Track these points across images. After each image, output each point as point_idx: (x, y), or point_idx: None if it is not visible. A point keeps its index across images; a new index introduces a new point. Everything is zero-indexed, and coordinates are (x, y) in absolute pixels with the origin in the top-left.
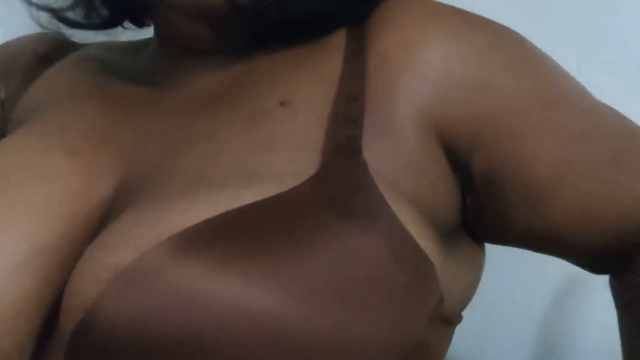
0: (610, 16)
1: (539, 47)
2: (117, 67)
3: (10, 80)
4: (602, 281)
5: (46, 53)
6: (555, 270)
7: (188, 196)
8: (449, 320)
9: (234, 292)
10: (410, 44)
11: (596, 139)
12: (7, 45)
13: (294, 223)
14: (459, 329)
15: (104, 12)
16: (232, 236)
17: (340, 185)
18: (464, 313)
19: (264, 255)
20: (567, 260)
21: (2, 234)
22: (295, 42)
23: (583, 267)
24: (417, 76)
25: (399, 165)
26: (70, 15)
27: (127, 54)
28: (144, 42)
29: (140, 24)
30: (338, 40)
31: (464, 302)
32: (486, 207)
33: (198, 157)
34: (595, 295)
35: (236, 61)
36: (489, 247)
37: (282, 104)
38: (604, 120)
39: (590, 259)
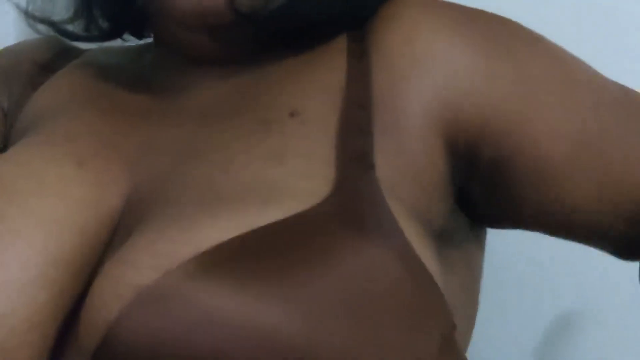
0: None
1: None
2: (120, 73)
3: (13, 89)
4: (596, 318)
5: (47, 61)
6: (549, 306)
7: (205, 213)
8: (459, 353)
9: (255, 312)
10: (413, 40)
11: (606, 110)
12: (7, 51)
13: (314, 243)
14: None
15: (104, 25)
16: (252, 256)
17: (356, 203)
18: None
19: (285, 276)
20: (592, 246)
21: (16, 245)
22: (297, 48)
23: (611, 252)
24: (423, 72)
25: (404, 173)
26: (70, 27)
27: (129, 59)
28: (145, 47)
29: (140, 35)
30: (339, 43)
31: (469, 326)
32: (497, 192)
33: (209, 169)
34: (589, 333)
35: (240, 70)
36: (484, 283)
37: (292, 114)
38: (610, 90)
39: (614, 239)
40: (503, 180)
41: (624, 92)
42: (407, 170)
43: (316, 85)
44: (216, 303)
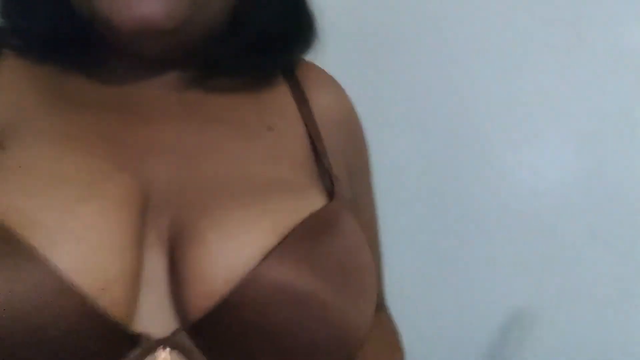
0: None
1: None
2: (73, 74)
3: None
4: (547, 317)
5: None
6: (501, 302)
7: (262, 203)
8: None
9: (313, 285)
10: (339, 106)
11: (375, 232)
12: None
13: (338, 227)
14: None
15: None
16: (308, 240)
17: (346, 200)
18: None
19: (328, 254)
20: None
21: (104, 218)
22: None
23: None
24: (339, 130)
25: (344, 185)
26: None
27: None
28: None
29: (82, 50)
30: (282, 85)
31: None
32: None
33: (223, 166)
34: (541, 331)
35: (199, 79)
36: (441, 280)
37: (269, 129)
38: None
39: None
40: None
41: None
42: (345, 184)
43: (276, 110)
44: (295, 282)
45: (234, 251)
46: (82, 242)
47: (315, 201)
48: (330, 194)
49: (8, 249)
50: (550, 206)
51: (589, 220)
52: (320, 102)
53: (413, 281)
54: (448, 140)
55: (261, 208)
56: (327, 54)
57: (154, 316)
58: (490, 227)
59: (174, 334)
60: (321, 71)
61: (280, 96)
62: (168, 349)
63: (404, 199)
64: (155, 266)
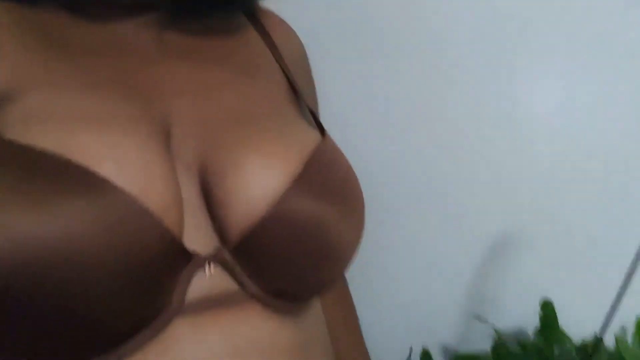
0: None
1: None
2: (58, 20)
3: None
4: (527, 243)
5: None
6: (484, 233)
7: (283, 136)
8: None
9: (325, 209)
10: (296, 47)
11: None
12: None
13: (336, 159)
14: (399, 285)
15: None
16: (319, 169)
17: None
18: (407, 274)
19: (333, 182)
20: None
21: (147, 150)
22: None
23: None
24: (303, 68)
25: None
26: None
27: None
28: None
29: None
30: (251, 31)
31: None
32: None
33: (237, 102)
34: (520, 257)
35: (185, 21)
36: (425, 213)
37: (257, 67)
38: None
39: None
40: None
41: None
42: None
43: (254, 53)
44: (313, 207)
45: (268, 178)
46: (142, 173)
47: (312, 135)
48: (317, 128)
49: (82, 181)
50: (527, 133)
51: (563, 147)
52: (283, 44)
53: (395, 210)
54: (428, 72)
55: (282, 141)
56: (320, 52)
57: (197, 236)
58: (469, 155)
59: (217, 251)
60: (276, 15)
61: (252, 41)
62: (212, 264)
63: (388, 131)
64: (190, 192)
